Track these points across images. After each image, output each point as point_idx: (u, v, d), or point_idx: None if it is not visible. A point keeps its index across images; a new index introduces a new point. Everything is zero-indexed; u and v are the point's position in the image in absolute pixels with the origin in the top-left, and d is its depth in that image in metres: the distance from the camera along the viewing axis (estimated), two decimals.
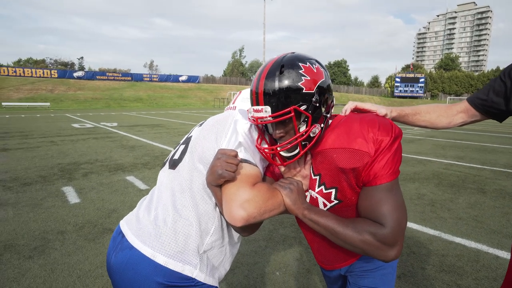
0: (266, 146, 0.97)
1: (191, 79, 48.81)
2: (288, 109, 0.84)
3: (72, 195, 3.89)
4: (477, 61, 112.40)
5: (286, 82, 0.84)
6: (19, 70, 36.88)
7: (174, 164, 1.01)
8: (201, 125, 1.06)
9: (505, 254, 2.53)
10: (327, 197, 0.98)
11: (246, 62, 74.27)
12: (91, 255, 2.46)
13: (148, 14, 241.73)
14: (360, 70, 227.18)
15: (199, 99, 41.62)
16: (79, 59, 69.19)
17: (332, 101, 0.96)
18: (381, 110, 1.09)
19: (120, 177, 4.76)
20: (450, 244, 2.72)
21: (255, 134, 0.95)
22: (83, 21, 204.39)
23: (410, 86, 56.20)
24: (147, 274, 0.83)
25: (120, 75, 45.18)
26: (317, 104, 0.88)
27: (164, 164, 1.10)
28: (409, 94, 56.13)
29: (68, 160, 5.92)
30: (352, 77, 77.24)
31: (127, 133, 10.35)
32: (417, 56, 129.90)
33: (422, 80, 55.58)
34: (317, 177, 0.99)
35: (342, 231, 0.87)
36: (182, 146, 1.04)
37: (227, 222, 0.97)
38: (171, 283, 0.83)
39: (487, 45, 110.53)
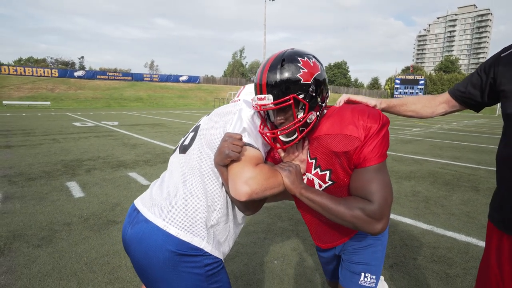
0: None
1: (192, 79, 48.96)
2: (287, 97, 0.95)
3: (76, 190, 3.99)
4: (477, 63, 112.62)
5: (286, 74, 0.95)
6: (20, 69, 37.01)
7: (184, 149, 1.12)
8: (209, 115, 1.17)
9: None
10: (322, 178, 1.09)
11: (247, 62, 74.49)
12: (97, 245, 2.56)
13: (150, 14, 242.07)
14: (360, 71, 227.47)
15: (199, 99, 41.76)
16: (79, 58, 69.41)
17: (327, 92, 1.07)
18: (371, 101, 1.20)
19: (123, 173, 4.86)
20: (441, 237, 2.83)
21: (258, 121, 1.07)
22: (84, 21, 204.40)
23: (410, 88, 56.38)
24: (160, 243, 0.94)
25: (121, 75, 45.31)
26: (314, 94, 0.99)
27: (174, 150, 1.21)
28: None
29: (71, 157, 6.02)
30: (352, 79, 77.43)
31: (128, 131, 10.45)
32: (417, 58, 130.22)
33: (421, 82, 55.78)
34: (313, 161, 1.10)
35: (335, 208, 0.97)
36: (192, 134, 1.15)
37: (231, 201, 1.08)
38: (182, 252, 0.94)
39: (487, 47, 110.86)
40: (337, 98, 1.20)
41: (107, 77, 43.19)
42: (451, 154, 7.31)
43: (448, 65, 74.15)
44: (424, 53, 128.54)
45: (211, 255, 1.00)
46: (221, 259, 1.05)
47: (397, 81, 57.12)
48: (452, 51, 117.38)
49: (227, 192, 1.05)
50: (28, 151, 6.57)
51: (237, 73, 69.22)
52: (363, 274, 1.16)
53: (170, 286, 0.95)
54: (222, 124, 1.07)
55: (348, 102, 1.19)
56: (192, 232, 0.97)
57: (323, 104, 1.06)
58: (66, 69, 43.12)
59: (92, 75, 41.95)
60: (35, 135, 9.05)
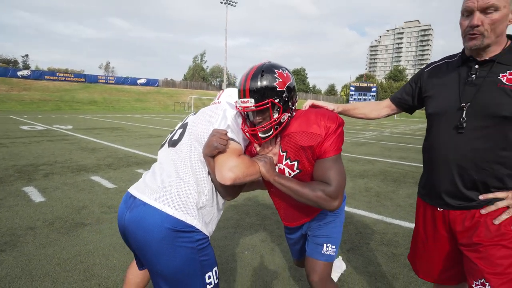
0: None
1: (150, 82, 47.39)
2: (266, 101, 1.16)
3: (35, 195, 3.83)
4: None
5: (265, 82, 1.17)
6: None
7: (174, 144, 1.28)
8: (195, 114, 1.34)
9: None
10: (291, 167, 1.31)
11: (208, 67, 73.99)
12: (67, 246, 2.55)
13: (104, 13, 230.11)
14: (318, 78, 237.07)
15: (158, 103, 40.57)
16: (23, 56, 63.68)
17: (296, 98, 1.31)
18: (330, 106, 1.46)
19: (85, 177, 4.73)
20: (390, 225, 3.23)
21: (240, 120, 1.27)
22: (28, 16, 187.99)
23: (364, 94, 60.14)
24: (158, 222, 1.09)
25: (73, 76, 42.45)
26: (286, 99, 1.22)
27: (163, 145, 1.36)
28: (377, 101, 60.06)
29: (24, 162, 5.66)
30: (311, 85, 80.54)
31: (85, 136, 9.97)
32: (370, 67, 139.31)
33: (374, 89, 59.82)
34: (284, 153, 1.32)
35: (302, 190, 1.20)
36: (180, 130, 1.31)
37: (215, 188, 1.26)
38: (177, 229, 1.10)
39: (429, 59, 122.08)
40: (302, 103, 1.45)
41: (56, 78, 40.14)
42: (399, 155, 8.08)
43: (396, 74, 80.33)
44: (376, 62, 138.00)
45: (201, 231, 1.17)
46: (208, 236, 1.22)
47: (352, 88, 60.63)
48: (400, 61, 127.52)
49: (213, 179, 1.22)
50: None
51: (198, 77, 68.42)
52: (325, 244, 1.40)
53: (168, 259, 1.10)
54: (209, 122, 1.25)
55: (312, 106, 1.44)
56: (186, 212, 1.13)
57: (293, 107, 1.29)
58: (7, 68, 39.34)
59: (39, 75, 38.77)
60: None
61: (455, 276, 1.28)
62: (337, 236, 1.45)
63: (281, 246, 2.69)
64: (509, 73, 1.06)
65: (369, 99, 59.31)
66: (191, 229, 1.14)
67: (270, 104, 1.18)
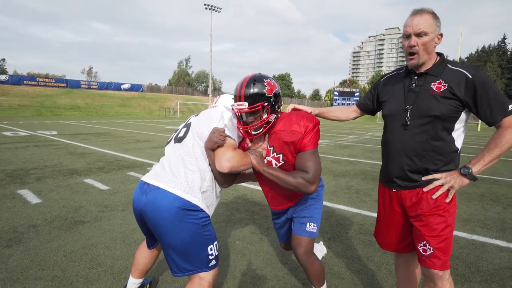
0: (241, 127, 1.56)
1: (134, 87, 46.89)
2: (258, 104, 1.45)
3: (31, 197, 3.95)
4: None
5: (256, 89, 1.45)
6: None
7: (179, 140, 1.54)
8: (196, 115, 1.61)
9: None
10: (277, 159, 1.60)
11: (193, 72, 73.88)
12: (70, 241, 2.73)
13: (85, 17, 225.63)
14: (303, 83, 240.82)
15: (143, 109, 40.21)
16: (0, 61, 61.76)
17: (281, 102, 1.60)
18: (308, 109, 1.76)
19: (78, 180, 4.86)
20: (367, 217, 3.56)
21: (235, 121, 1.55)
22: (3, 19, 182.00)
23: (347, 99, 61.53)
24: (170, 202, 1.35)
25: (54, 81, 41.49)
26: (274, 103, 1.51)
27: (169, 142, 1.61)
28: (347, 106, 61.43)
29: (13, 167, 5.71)
30: (296, 90, 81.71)
31: (72, 141, 9.96)
32: (353, 72, 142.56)
33: (357, 94, 61.29)
34: (271, 148, 1.60)
35: (286, 177, 1.49)
36: (184, 129, 1.58)
37: (214, 177, 1.52)
38: (186, 208, 1.36)
39: None
40: (282, 109, 1.75)
41: (36, 83, 39.12)
42: (379, 156, 8.53)
43: (378, 79, 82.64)
44: (359, 68, 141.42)
45: (204, 211, 1.43)
46: (209, 216, 1.48)
47: (336, 93, 61.92)
48: (381, 66, 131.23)
49: (212, 169, 1.49)
50: None
51: (183, 82, 68.20)
52: (308, 223, 1.69)
53: (177, 232, 1.36)
54: (209, 122, 1.52)
55: (294, 109, 1.73)
56: (192, 194, 1.39)
57: (279, 110, 1.58)
58: None
59: (17, 80, 37.70)
60: None
61: (409, 246, 1.59)
62: (318, 217, 1.74)
63: (269, 237, 2.96)
64: (438, 82, 1.38)
65: (353, 104, 60.67)
66: (197, 208, 1.40)
67: (260, 107, 1.46)
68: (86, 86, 43.05)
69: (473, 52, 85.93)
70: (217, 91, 59.46)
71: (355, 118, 1.88)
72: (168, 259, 1.44)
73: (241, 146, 1.66)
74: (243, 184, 4.86)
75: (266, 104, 1.49)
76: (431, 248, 1.36)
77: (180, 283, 2.15)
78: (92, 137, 11.38)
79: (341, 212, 3.73)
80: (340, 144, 11.37)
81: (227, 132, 1.48)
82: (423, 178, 1.42)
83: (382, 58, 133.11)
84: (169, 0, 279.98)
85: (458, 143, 1.43)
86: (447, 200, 1.39)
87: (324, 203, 4.05)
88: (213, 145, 1.42)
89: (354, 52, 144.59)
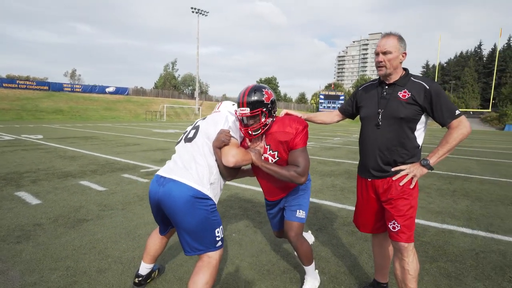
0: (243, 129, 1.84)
1: (120, 90, 46.28)
2: (257, 110, 1.73)
3: (30, 198, 4.08)
4: None
5: (256, 98, 1.74)
6: None
7: (189, 140, 1.80)
8: (204, 119, 1.88)
9: None
10: (273, 156, 1.88)
11: (179, 75, 73.49)
12: (77, 236, 2.92)
13: (67, 18, 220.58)
14: (289, 87, 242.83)
15: (129, 112, 39.77)
16: None
17: (276, 108, 1.89)
18: (298, 114, 2.06)
19: (74, 182, 4.99)
20: (351, 211, 3.89)
21: (237, 124, 1.82)
22: None
23: (332, 102, 62.76)
24: (184, 192, 1.61)
25: (35, 84, 40.44)
26: (270, 109, 1.80)
27: (179, 142, 1.87)
28: (331, 110, 62.74)
29: (5, 170, 5.76)
30: (282, 93, 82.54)
31: (60, 145, 9.94)
32: (338, 76, 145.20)
33: (342, 97, 62.63)
34: (268, 146, 1.89)
35: (280, 171, 1.77)
36: (193, 131, 1.84)
37: (219, 171, 1.79)
38: (197, 196, 1.62)
39: None
40: (280, 111, 2.03)
41: (16, 85, 38.08)
42: None
43: (363, 83, 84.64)
44: (344, 72, 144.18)
45: (212, 200, 1.70)
46: (216, 204, 1.75)
47: (322, 97, 63.06)
48: (366, 70, 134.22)
49: (219, 165, 1.76)
50: None
51: (169, 85, 67.77)
52: (298, 210, 1.98)
53: (190, 217, 1.61)
54: (216, 125, 1.79)
55: (287, 114, 2.03)
56: (202, 185, 1.66)
57: (274, 114, 1.87)
58: None
59: None
60: None
61: (382, 227, 1.91)
62: (306, 205, 2.04)
63: (262, 229, 3.23)
64: (403, 91, 1.71)
65: (338, 107, 62.01)
66: (206, 197, 1.66)
67: (260, 112, 1.75)
68: (70, 89, 42.23)
69: (452, 57, 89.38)
70: (204, 94, 59.47)
71: (338, 121, 2.20)
72: (181, 241, 1.69)
73: (242, 145, 1.94)
74: (236, 183, 5.12)
75: (264, 109, 1.77)
76: (399, 225, 1.67)
77: (181, 271, 2.39)
78: (80, 140, 11.36)
79: (327, 207, 4.05)
80: (326, 146, 11.80)
81: (231, 133, 1.76)
82: (393, 169, 1.74)
83: (366, 62, 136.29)
84: (154, 2, 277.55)
85: (420, 141, 1.75)
86: (411, 186, 1.71)
87: (312, 199, 4.36)
88: (220, 144, 1.69)
89: (339, 56, 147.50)
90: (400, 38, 1.71)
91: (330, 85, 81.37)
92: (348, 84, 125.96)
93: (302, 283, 2.16)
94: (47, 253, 2.57)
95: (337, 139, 15.35)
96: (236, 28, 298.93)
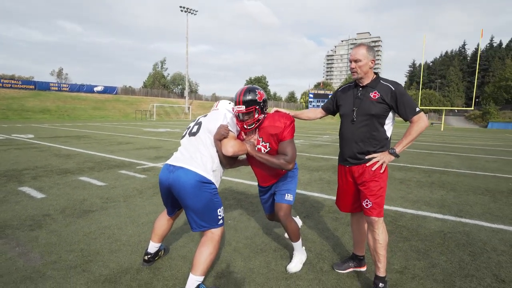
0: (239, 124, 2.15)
1: (108, 90, 45.81)
2: (251, 107, 2.05)
3: (34, 193, 4.29)
4: None
5: (250, 97, 2.06)
6: None
7: (193, 134, 2.10)
8: (205, 116, 2.18)
9: None
10: (265, 147, 2.20)
11: (168, 74, 73.04)
12: (85, 225, 3.17)
13: (51, 15, 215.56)
14: (279, 86, 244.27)
15: (118, 111, 39.47)
16: None
17: (267, 105, 2.20)
18: (286, 111, 2.38)
19: (73, 178, 5.20)
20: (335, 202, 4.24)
21: (234, 119, 2.14)
22: None
23: (322, 101, 63.41)
24: (192, 177, 1.91)
25: (20, 83, 39.66)
26: (262, 106, 2.12)
27: (184, 136, 2.17)
28: (316, 108, 63.44)
29: (4, 168, 5.91)
30: (272, 92, 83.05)
31: (53, 144, 10.03)
32: (327, 75, 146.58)
33: (330, 96, 63.60)
34: (261, 139, 2.20)
35: (271, 159, 2.10)
36: (196, 126, 2.14)
37: (220, 160, 2.10)
38: (202, 181, 1.93)
39: (379, 68, 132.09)
40: (270, 109, 2.34)
41: (1, 84, 37.35)
42: None
43: (342, 85, 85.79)
44: (332, 71, 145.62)
45: (214, 184, 2.01)
46: (217, 188, 2.06)
47: (311, 95, 63.72)
48: None
49: (219, 155, 2.07)
50: None
51: (159, 84, 67.32)
52: (286, 194, 2.30)
53: (197, 199, 1.91)
54: (216, 121, 2.10)
55: (276, 111, 2.34)
56: (206, 172, 1.96)
57: (266, 111, 2.19)
58: None
59: None
60: None
61: (358, 207, 2.25)
62: (294, 190, 2.36)
63: (255, 217, 3.55)
64: (374, 92, 2.05)
65: (321, 105, 62.81)
66: (209, 182, 1.97)
67: (254, 109, 2.06)
68: (56, 88, 41.58)
69: (438, 57, 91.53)
70: (194, 93, 59.38)
71: (321, 117, 2.53)
72: (189, 219, 1.99)
73: (239, 137, 2.25)
74: (229, 178, 5.43)
75: (257, 107, 2.09)
76: (371, 202, 2.01)
77: (184, 251, 2.68)
78: (72, 140, 11.44)
79: (315, 198, 4.40)
80: (314, 144, 12.20)
81: (229, 128, 2.07)
82: (366, 157, 2.08)
83: None
84: (142, 0, 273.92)
85: (388, 133, 2.10)
86: (381, 171, 2.05)
87: (300, 191, 4.71)
88: (220, 137, 2.00)
89: (328, 56, 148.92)
90: (369, 48, 2.05)
91: (319, 84, 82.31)
92: (337, 83, 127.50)
93: (291, 259, 2.49)
94: (60, 238, 2.82)
95: (326, 137, 15.81)
96: (225, 28, 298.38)
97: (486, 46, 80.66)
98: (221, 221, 2.04)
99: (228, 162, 2.12)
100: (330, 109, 2.41)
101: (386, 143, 2.11)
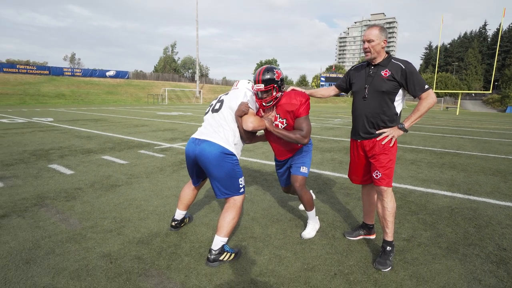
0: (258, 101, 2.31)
1: (120, 74, 46.27)
2: (270, 86, 2.21)
3: (63, 169, 4.60)
4: None
5: (269, 76, 2.21)
6: None
7: (216, 111, 2.28)
8: (226, 94, 2.35)
9: None
10: (282, 123, 2.37)
11: (179, 58, 72.99)
12: (114, 197, 3.45)
13: (62, 0, 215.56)
14: (290, 69, 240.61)
15: (131, 96, 39.99)
16: None
17: (284, 84, 2.35)
18: (302, 89, 2.52)
19: (97, 157, 5.51)
20: (347, 179, 4.42)
21: (254, 97, 2.30)
22: None
23: (333, 85, 62.66)
24: (216, 149, 2.10)
25: (35, 68, 40.47)
26: (280, 85, 2.27)
27: (207, 113, 2.36)
28: (329, 87, 62.53)
29: (32, 148, 6.27)
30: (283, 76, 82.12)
31: (72, 126, 10.43)
32: (339, 58, 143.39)
33: (344, 74, 62.49)
34: (278, 115, 2.37)
35: (288, 134, 2.27)
36: (218, 104, 2.32)
37: (240, 135, 2.28)
38: (225, 152, 2.12)
39: (394, 50, 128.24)
40: (287, 88, 2.49)
41: (17, 70, 38.13)
42: None
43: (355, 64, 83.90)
44: (345, 54, 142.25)
45: (236, 156, 2.20)
46: (238, 160, 2.25)
47: (322, 79, 62.82)
48: None
49: (240, 130, 2.25)
50: None
51: (169, 68, 67.50)
52: (302, 166, 2.49)
53: (220, 168, 2.12)
54: (237, 98, 2.27)
55: (292, 89, 2.49)
56: (228, 145, 2.16)
57: (283, 89, 2.34)
58: None
59: None
60: None
61: (369, 179, 2.42)
62: (308, 163, 2.54)
63: (270, 191, 3.76)
64: (385, 70, 2.16)
65: (335, 83, 61.85)
66: (231, 153, 2.17)
67: (272, 87, 2.22)
68: (70, 73, 42.26)
69: (456, 38, 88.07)
70: (204, 77, 59.33)
71: (334, 95, 2.67)
72: (214, 187, 2.21)
73: (258, 114, 2.42)
74: (244, 158, 5.64)
75: (275, 85, 2.24)
76: (380, 174, 2.18)
77: (207, 219, 2.92)
78: (90, 123, 11.83)
79: (327, 176, 4.58)
80: (326, 126, 12.27)
81: (250, 105, 2.24)
82: (377, 132, 2.22)
83: None
84: None
85: (398, 109, 2.23)
86: (391, 145, 2.20)
87: (312, 170, 4.89)
88: (241, 113, 2.18)
89: (340, 38, 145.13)
90: (382, 29, 2.16)
91: (331, 67, 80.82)
92: (349, 66, 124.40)
93: (305, 227, 2.69)
94: (94, 207, 3.11)
95: (338, 120, 15.80)
96: (234, 10, 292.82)
97: (509, 26, 76.91)
98: (242, 189, 2.25)
99: (248, 137, 2.31)
100: (343, 87, 2.54)
101: (396, 118, 2.24)
